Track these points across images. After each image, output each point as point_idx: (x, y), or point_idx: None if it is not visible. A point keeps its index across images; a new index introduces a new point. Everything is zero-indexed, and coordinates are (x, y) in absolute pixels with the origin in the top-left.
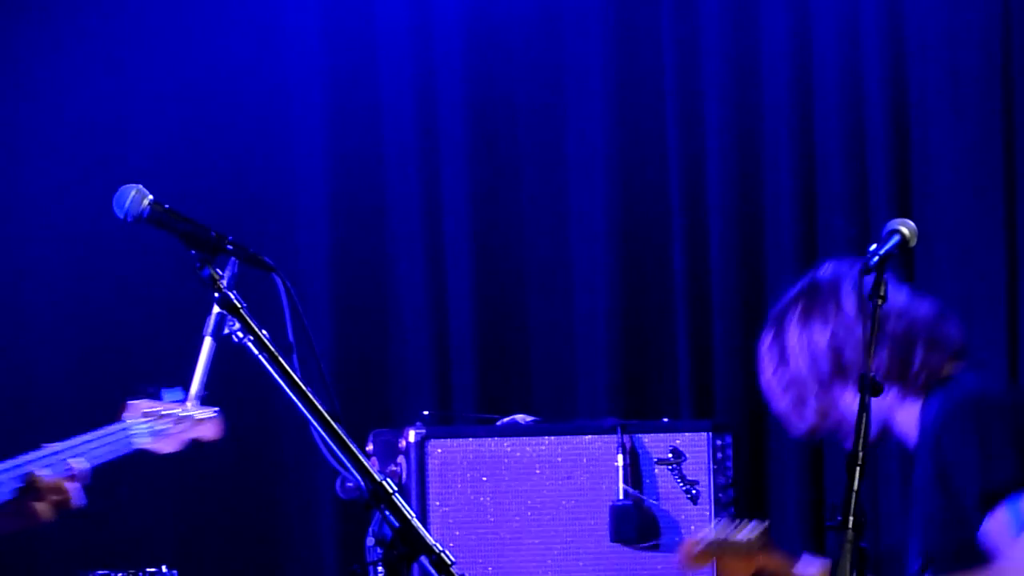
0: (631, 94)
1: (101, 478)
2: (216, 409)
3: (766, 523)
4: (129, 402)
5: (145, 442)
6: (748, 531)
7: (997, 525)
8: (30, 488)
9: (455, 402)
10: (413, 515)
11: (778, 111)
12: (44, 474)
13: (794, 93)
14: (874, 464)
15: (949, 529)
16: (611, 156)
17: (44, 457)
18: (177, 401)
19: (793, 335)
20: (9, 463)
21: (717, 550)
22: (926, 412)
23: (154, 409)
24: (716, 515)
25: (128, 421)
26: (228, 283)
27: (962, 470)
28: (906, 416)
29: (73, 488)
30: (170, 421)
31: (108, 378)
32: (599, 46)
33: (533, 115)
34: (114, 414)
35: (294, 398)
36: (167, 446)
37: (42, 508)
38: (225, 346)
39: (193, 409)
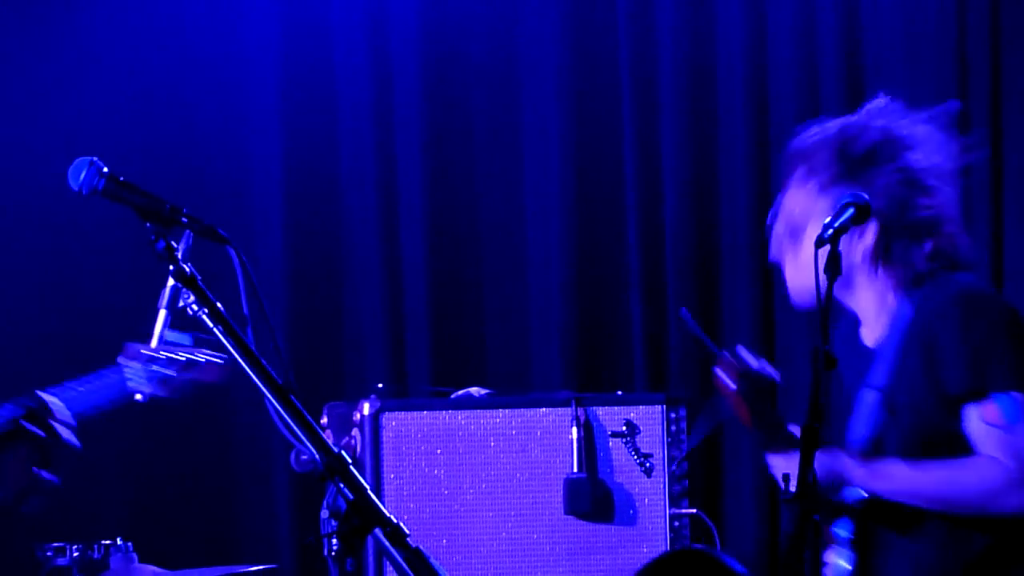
0: (586, 70)
1: (56, 451)
2: (224, 357)
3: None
4: (127, 344)
5: (141, 387)
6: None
7: (987, 415)
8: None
9: (410, 375)
10: (368, 488)
11: (733, 84)
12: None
13: (749, 66)
14: (828, 437)
15: (927, 417)
16: (566, 132)
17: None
18: (181, 345)
19: None
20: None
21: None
22: (915, 304)
23: (151, 352)
24: (670, 488)
25: (124, 364)
26: (183, 255)
27: (954, 360)
28: (874, 306)
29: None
30: (167, 365)
31: (61, 350)
32: (555, 23)
33: (488, 90)
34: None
35: (249, 370)
36: (163, 390)
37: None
38: (180, 318)
39: (196, 353)
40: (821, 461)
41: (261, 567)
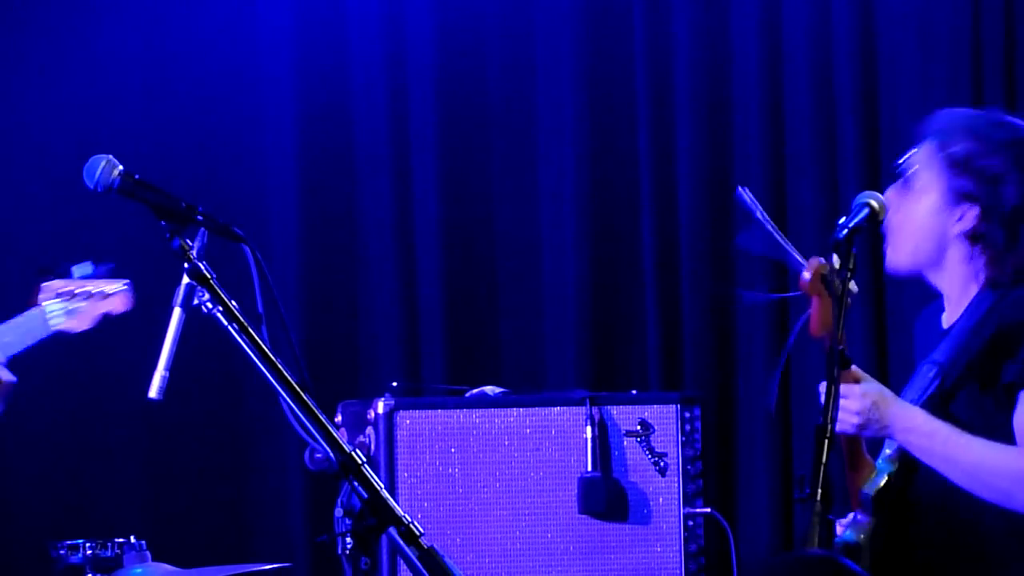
0: (601, 65)
1: (70, 449)
2: (127, 281)
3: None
4: (43, 284)
5: (61, 322)
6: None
7: None
8: None
9: (424, 373)
10: (382, 486)
11: (747, 81)
12: None
13: (763, 63)
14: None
15: (977, 398)
16: (581, 129)
17: None
18: (87, 276)
19: None
20: None
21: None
22: (997, 297)
23: (67, 288)
24: (684, 488)
25: (44, 304)
26: (198, 253)
27: (1021, 353)
28: (958, 288)
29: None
30: (82, 299)
31: (71, 345)
32: (571, 22)
33: (504, 89)
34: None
35: (263, 369)
36: (81, 323)
37: None
38: (194, 317)
39: (103, 283)
40: (867, 390)
41: (275, 565)
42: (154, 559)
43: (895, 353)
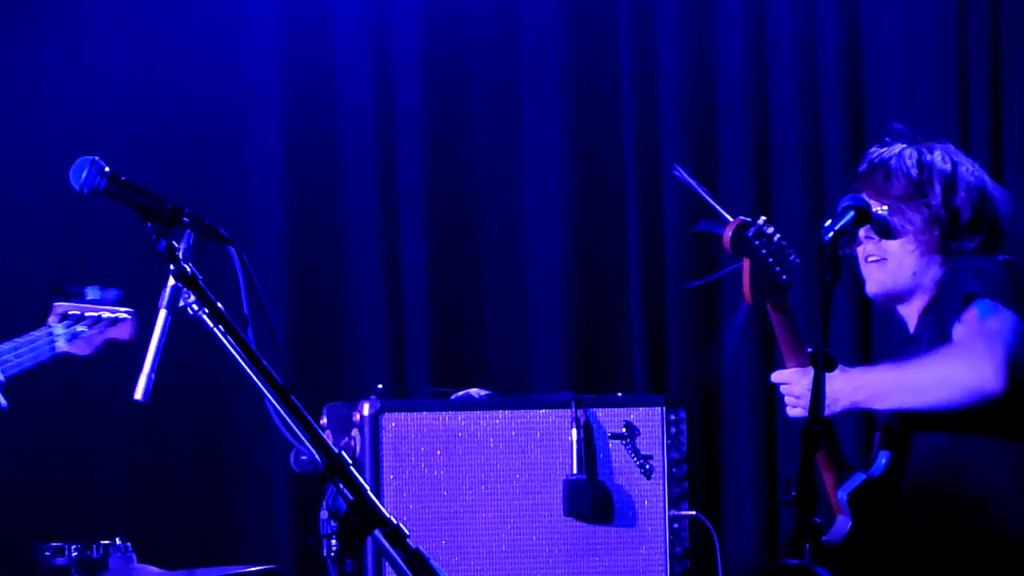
0: (587, 66)
1: (56, 451)
2: (131, 311)
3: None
4: (55, 303)
5: (64, 347)
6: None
7: (966, 318)
8: None
9: (409, 375)
10: (367, 488)
11: (733, 85)
12: None
13: (749, 66)
14: None
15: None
16: (567, 131)
17: None
18: (96, 301)
19: None
20: None
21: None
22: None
23: (75, 310)
24: (669, 491)
25: (52, 325)
26: (184, 255)
27: (951, 299)
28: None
29: None
30: (88, 323)
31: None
32: (555, 24)
33: (490, 92)
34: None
35: (249, 371)
36: (85, 349)
37: None
38: (180, 319)
39: (110, 309)
40: (808, 372)
41: (260, 567)
42: (140, 561)
43: (879, 351)
